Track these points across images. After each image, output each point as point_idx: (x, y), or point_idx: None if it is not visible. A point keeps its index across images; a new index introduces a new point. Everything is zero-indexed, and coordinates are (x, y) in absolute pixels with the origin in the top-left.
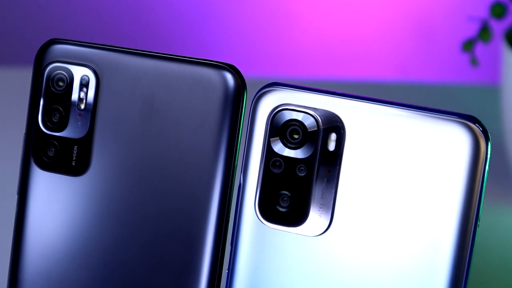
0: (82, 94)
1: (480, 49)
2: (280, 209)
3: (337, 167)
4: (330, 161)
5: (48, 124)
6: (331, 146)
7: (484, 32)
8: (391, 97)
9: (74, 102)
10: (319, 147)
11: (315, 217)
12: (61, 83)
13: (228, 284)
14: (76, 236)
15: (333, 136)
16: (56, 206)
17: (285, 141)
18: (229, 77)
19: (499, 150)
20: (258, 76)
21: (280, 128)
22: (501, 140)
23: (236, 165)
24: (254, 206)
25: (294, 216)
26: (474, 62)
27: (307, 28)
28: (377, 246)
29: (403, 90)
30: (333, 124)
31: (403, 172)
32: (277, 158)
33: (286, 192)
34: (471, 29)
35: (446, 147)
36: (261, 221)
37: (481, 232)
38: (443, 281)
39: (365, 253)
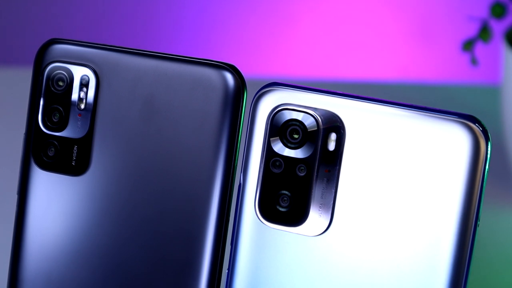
0: (82, 94)
1: (480, 49)
2: (280, 209)
3: (337, 167)
4: (330, 161)
5: (48, 124)
6: (331, 146)
7: (484, 32)
8: (391, 97)
9: (74, 102)
10: (319, 147)
11: (315, 217)
12: (61, 83)
13: (228, 284)
14: (76, 236)
15: (333, 136)
16: (56, 206)
17: (285, 141)
18: (229, 77)
19: (499, 150)
20: (258, 76)
21: (280, 128)
22: (501, 140)
23: (236, 165)
24: (254, 206)
25: (294, 216)
26: (474, 62)
27: (306, 28)
28: (377, 246)
29: (403, 90)
30: (333, 124)
31: (403, 172)
32: (277, 158)
33: (286, 192)
34: (471, 29)
35: (446, 147)
36: (261, 221)
37: (481, 232)
38: (443, 281)
39: (365, 253)
